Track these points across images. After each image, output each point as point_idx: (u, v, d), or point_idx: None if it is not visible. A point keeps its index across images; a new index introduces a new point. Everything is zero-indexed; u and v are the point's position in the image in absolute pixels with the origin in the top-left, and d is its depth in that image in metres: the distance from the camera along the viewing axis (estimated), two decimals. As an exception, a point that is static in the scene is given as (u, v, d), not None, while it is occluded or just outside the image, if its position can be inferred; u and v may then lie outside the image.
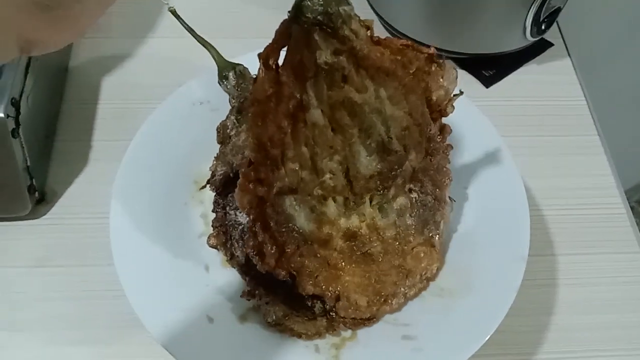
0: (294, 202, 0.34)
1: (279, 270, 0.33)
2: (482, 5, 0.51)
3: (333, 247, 0.36)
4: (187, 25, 0.42)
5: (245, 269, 0.36)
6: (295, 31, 0.30)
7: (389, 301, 0.35)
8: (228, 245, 0.36)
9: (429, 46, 0.35)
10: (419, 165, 0.37)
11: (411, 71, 0.34)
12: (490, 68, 0.56)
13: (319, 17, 0.30)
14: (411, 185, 0.37)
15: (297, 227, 0.34)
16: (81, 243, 0.45)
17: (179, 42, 0.47)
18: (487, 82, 0.55)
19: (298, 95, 0.32)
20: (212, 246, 0.37)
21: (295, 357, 0.33)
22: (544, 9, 0.50)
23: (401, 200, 0.37)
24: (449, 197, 0.38)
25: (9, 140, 0.42)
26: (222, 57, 0.41)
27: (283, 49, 0.31)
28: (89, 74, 0.55)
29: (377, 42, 0.32)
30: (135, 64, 0.55)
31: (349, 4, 0.30)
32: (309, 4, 0.29)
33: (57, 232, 0.46)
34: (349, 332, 0.35)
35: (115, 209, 0.38)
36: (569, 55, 0.58)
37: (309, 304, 0.35)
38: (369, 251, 0.36)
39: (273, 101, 0.31)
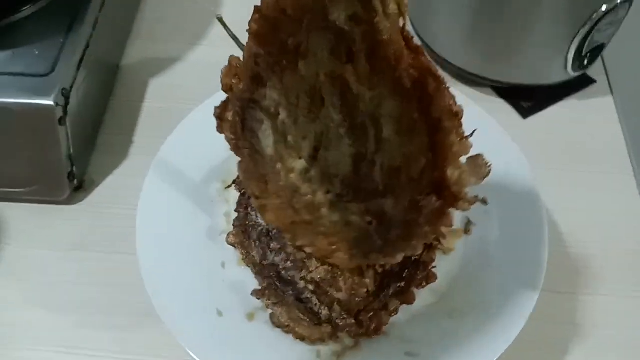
0: (264, 122, 0.32)
1: (230, 144, 0.33)
2: (524, 35, 0.51)
3: (277, 178, 0.34)
4: (233, 33, 0.44)
5: (259, 268, 0.37)
6: None
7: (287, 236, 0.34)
8: (245, 244, 0.38)
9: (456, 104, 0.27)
10: (391, 214, 0.31)
11: (426, 113, 0.27)
12: (529, 99, 0.55)
13: None
14: (374, 220, 0.32)
15: (259, 140, 0.33)
16: (112, 232, 0.47)
17: (225, 50, 0.48)
18: (525, 113, 0.55)
19: (298, 38, 0.28)
20: (230, 244, 0.38)
21: (296, 359, 0.34)
22: (587, 43, 0.50)
23: (355, 219, 0.32)
24: (469, 220, 0.38)
25: (55, 127, 0.45)
26: None
27: None
28: (138, 74, 0.57)
29: (406, 38, 0.26)
30: (181, 68, 0.58)
31: None
32: None
33: (91, 220, 0.48)
34: (352, 341, 0.35)
35: (144, 201, 0.40)
36: (611, 93, 0.57)
37: (316, 309, 0.35)
38: (297, 210, 0.34)
39: (274, 26, 0.28)
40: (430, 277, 0.36)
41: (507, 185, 0.42)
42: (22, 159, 0.47)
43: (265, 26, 0.29)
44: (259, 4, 0.29)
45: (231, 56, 0.33)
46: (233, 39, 0.44)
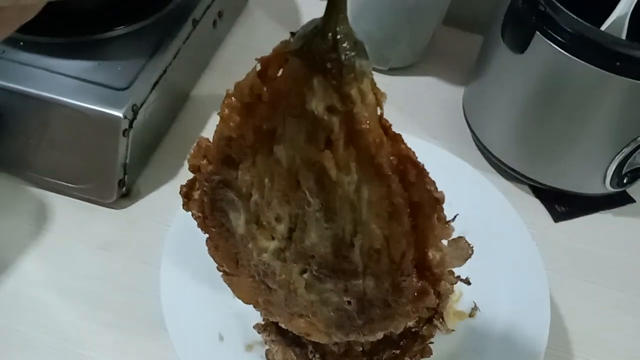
0: (235, 202, 0.31)
1: (197, 222, 0.32)
2: (568, 144, 0.52)
3: (247, 256, 0.33)
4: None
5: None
6: (293, 62, 0.25)
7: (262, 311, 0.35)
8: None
9: (438, 191, 0.27)
10: (371, 294, 0.30)
11: (407, 198, 0.27)
12: (565, 204, 0.56)
13: (327, 63, 0.24)
14: (353, 300, 0.31)
15: (229, 219, 0.32)
16: (142, 241, 0.50)
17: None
18: (558, 217, 0.56)
19: (274, 123, 0.27)
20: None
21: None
22: (627, 163, 0.51)
23: (333, 297, 0.31)
24: (475, 305, 0.39)
25: (119, 137, 0.49)
26: None
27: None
28: (204, 105, 0.62)
29: (385, 127, 0.26)
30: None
31: (367, 58, 0.25)
32: (321, 43, 0.24)
33: (127, 226, 0.51)
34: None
35: (176, 223, 0.42)
36: (649, 216, 0.58)
37: (310, 356, 0.37)
38: (271, 289, 0.33)
39: (248, 109, 0.28)
40: (425, 351, 0.37)
41: (518, 280, 0.43)
42: (83, 158, 0.51)
43: (237, 110, 0.28)
44: None
45: (200, 137, 0.32)
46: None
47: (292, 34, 0.25)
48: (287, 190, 0.29)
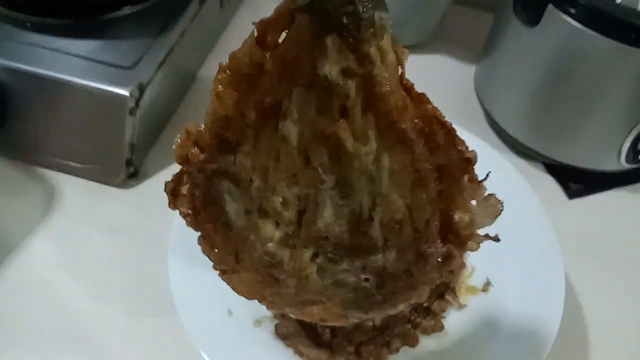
0: (232, 192, 0.28)
1: (186, 220, 0.29)
2: (583, 119, 0.51)
3: (249, 250, 0.29)
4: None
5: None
6: (302, 21, 0.21)
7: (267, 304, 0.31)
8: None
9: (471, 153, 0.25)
10: (392, 267, 0.28)
11: (433, 163, 0.25)
12: (579, 181, 0.55)
13: (343, 17, 0.21)
14: (370, 277, 0.28)
15: (225, 209, 0.28)
16: (151, 222, 0.49)
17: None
18: (572, 194, 0.55)
19: (278, 96, 0.24)
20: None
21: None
22: (643, 138, 0.50)
23: (349, 278, 0.28)
24: (488, 280, 0.38)
25: (125, 116, 0.49)
26: None
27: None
28: (211, 85, 0.61)
29: (407, 87, 0.24)
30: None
31: (386, 10, 0.21)
32: None
33: (135, 207, 0.51)
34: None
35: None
36: (666, 192, 0.56)
37: (320, 331, 0.36)
38: (279, 279, 0.30)
39: (247, 83, 0.24)
40: (437, 326, 0.36)
41: (533, 257, 0.42)
42: (90, 137, 0.51)
43: (235, 85, 0.25)
44: None
45: (188, 126, 0.29)
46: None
47: None
48: (296, 170, 0.26)
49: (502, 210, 0.27)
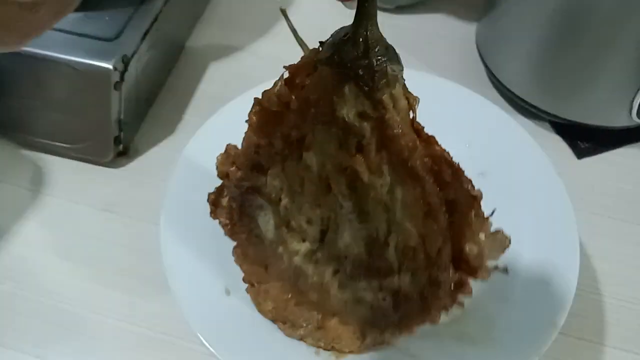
0: (265, 208, 0.32)
1: (222, 225, 0.32)
2: (592, 74, 0.49)
3: (278, 261, 0.33)
4: (292, 26, 0.44)
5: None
6: (324, 70, 0.25)
7: (287, 325, 0.33)
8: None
9: (474, 188, 0.27)
10: (407, 289, 0.30)
11: (442, 197, 0.27)
12: (588, 140, 0.53)
13: (359, 70, 0.24)
14: (387, 296, 0.31)
15: (258, 225, 0.32)
16: (144, 200, 0.48)
17: (287, 46, 0.49)
18: (581, 153, 0.53)
19: (302, 131, 0.27)
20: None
21: (294, 352, 0.33)
22: (656, 91, 0.48)
23: (367, 295, 0.31)
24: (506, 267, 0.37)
25: (110, 91, 0.47)
26: None
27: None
28: (201, 56, 0.59)
29: (417, 130, 0.26)
30: (243, 58, 0.59)
31: (399, 63, 0.24)
32: (352, 50, 0.23)
33: (127, 185, 0.49)
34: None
35: (178, 173, 0.40)
36: (677, 148, 0.54)
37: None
38: (304, 291, 0.33)
39: (276, 117, 0.28)
40: (458, 304, 0.34)
41: (545, 219, 0.40)
42: (76, 116, 0.48)
43: (266, 118, 0.28)
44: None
45: (228, 145, 0.32)
46: (292, 31, 0.44)
47: (322, 43, 0.25)
48: (318, 195, 0.29)
49: (509, 244, 0.29)
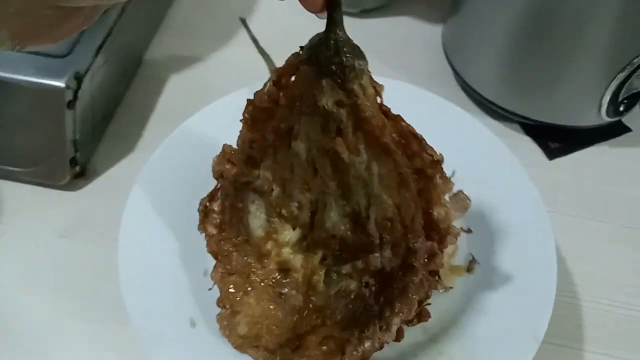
0: (256, 203, 0.34)
1: (209, 240, 0.34)
2: (559, 74, 0.48)
3: (263, 264, 0.35)
4: (253, 35, 0.43)
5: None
6: (304, 69, 0.30)
7: (259, 352, 0.33)
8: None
9: (435, 154, 0.32)
10: (388, 266, 0.33)
11: (412, 167, 0.32)
12: (558, 140, 0.53)
13: (332, 66, 0.29)
14: (370, 281, 0.33)
15: (248, 225, 0.34)
16: (106, 223, 0.45)
17: (247, 55, 0.47)
18: (551, 154, 0.52)
19: (290, 122, 0.32)
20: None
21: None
22: (623, 89, 0.47)
23: (351, 284, 0.34)
24: (473, 258, 0.36)
25: (63, 110, 0.44)
26: (274, 65, 0.42)
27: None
28: (160, 69, 0.56)
29: (385, 112, 0.31)
30: (204, 68, 0.57)
31: (364, 59, 0.30)
32: (325, 51, 0.29)
33: (87, 208, 0.47)
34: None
35: (134, 197, 0.38)
36: (647, 144, 0.54)
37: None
38: (285, 297, 0.34)
39: (267, 113, 0.32)
40: (423, 315, 0.34)
41: (520, 227, 0.39)
42: (28, 138, 0.46)
43: (258, 115, 0.33)
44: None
45: (224, 144, 0.35)
46: (253, 40, 0.43)
47: (301, 47, 0.30)
48: (307, 179, 0.33)
49: (469, 203, 0.35)
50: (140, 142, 0.51)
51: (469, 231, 0.38)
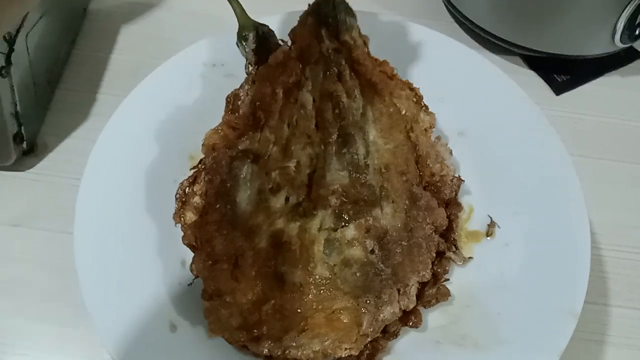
0: (249, 173, 0.33)
1: (186, 229, 0.31)
2: (567, -2, 0.42)
3: (253, 243, 0.32)
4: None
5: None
6: (309, 22, 0.36)
7: (262, 342, 0.30)
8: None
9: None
10: (392, 227, 0.33)
11: (398, 104, 0.36)
12: (565, 73, 0.48)
13: (330, 19, 0.36)
14: (376, 245, 0.33)
15: (235, 201, 0.32)
16: (63, 206, 0.40)
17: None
18: (559, 88, 0.48)
19: (297, 74, 0.35)
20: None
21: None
22: (642, 10, 0.42)
23: (356, 251, 0.33)
24: (492, 220, 0.31)
25: (-5, 79, 0.38)
26: (245, 14, 0.37)
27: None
28: (109, 19, 0.50)
29: (372, 58, 0.37)
30: (158, 15, 0.51)
31: (354, 17, 0.36)
32: (325, 7, 0.36)
33: (42, 190, 0.42)
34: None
35: (88, 177, 0.32)
36: (661, 69, 0.49)
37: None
38: (283, 273, 0.32)
39: (279, 70, 0.34)
40: (442, 294, 0.29)
41: (542, 181, 0.34)
42: (-40, 115, 0.39)
43: (271, 71, 0.35)
44: None
45: (224, 116, 0.35)
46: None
47: (309, 5, 0.36)
48: (309, 132, 0.35)
49: (447, 143, 0.36)
50: (94, 108, 0.45)
51: (459, 180, 0.35)
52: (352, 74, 0.36)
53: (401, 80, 0.36)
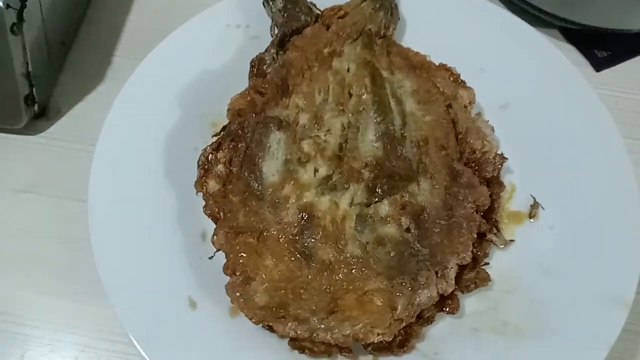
0: (277, 141, 0.32)
1: (208, 199, 0.30)
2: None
3: (279, 216, 0.31)
4: None
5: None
6: (367, 3, 0.37)
7: (288, 323, 0.28)
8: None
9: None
10: (429, 204, 0.31)
11: (435, 82, 0.35)
12: (606, 48, 0.46)
13: (390, 5, 0.38)
14: (412, 224, 0.31)
15: (262, 170, 0.31)
16: (74, 173, 0.39)
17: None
18: (599, 64, 0.46)
19: (334, 47, 0.36)
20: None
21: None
22: (697, -20, 0.39)
23: (390, 229, 0.31)
24: (535, 201, 0.29)
25: (6, 37, 0.37)
26: None
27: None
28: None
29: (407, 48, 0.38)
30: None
31: (397, 16, 0.39)
32: None
33: (50, 155, 0.41)
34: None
35: (103, 144, 0.31)
36: None
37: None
38: (311, 250, 0.30)
39: (315, 38, 0.35)
40: (482, 279, 0.28)
41: (591, 160, 0.32)
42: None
43: (307, 41, 0.35)
44: None
45: (252, 79, 0.35)
46: None
47: None
48: (343, 99, 0.35)
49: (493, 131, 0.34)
50: (109, 71, 0.44)
51: (503, 157, 0.33)
52: (389, 54, 0.36)
53: (435, 65, 0.36)
